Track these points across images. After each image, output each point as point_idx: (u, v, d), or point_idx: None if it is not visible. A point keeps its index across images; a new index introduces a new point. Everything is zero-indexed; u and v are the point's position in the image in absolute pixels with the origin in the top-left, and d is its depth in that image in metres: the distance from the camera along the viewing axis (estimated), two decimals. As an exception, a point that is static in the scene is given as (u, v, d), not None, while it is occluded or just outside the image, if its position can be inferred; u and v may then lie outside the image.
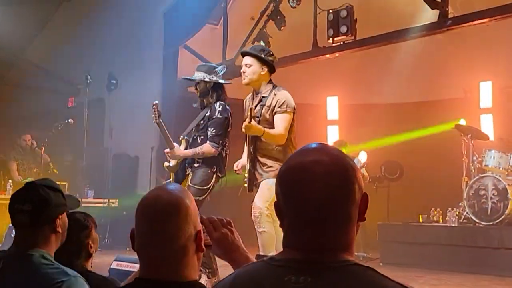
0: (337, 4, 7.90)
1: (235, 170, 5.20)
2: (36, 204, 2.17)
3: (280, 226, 1.30)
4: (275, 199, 1.31)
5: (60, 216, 2.24)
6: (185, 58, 10.33)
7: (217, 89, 5.16)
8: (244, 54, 5.05)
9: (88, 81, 9.12)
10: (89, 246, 2.56)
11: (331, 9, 7.93)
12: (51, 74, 12.00)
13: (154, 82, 10.27)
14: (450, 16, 6.96)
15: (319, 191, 1.22)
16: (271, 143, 4.86)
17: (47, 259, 2.14)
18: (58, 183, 9.09)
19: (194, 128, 5.18)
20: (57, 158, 9.93)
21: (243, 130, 4.67)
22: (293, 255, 1.24)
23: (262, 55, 4.91)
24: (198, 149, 5.02)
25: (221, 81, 5.20)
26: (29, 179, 7.81)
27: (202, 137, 5.12)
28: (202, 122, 5.12)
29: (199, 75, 5.15)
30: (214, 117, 5.04)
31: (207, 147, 5.00)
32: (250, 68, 4.90)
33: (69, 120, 8.92)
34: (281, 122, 4.79)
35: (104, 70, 9.67)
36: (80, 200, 2.49)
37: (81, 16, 11.61)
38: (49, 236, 2.21)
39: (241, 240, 1.74)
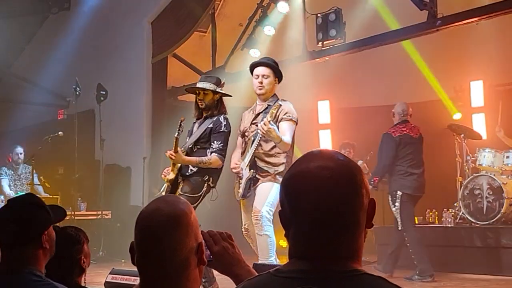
0: (326, 8, 7.88)
1: (233, 168, 5.12)
2: (20, 224, 2.13)
3: (285, 236, 1.25)
4: (279, 208, 1.27)
5: (45, 232, 2.19)
6: (174, 67, 10.28)
7: (221, 102, 5.19)
8: (262, 64, 5.09)
9: (77, 93, 9.03)
10: (82, 261, 2.50)
11: (319, 13, 7.92)
12: (39, 87, 11.92)
13: (144, 92, 10.22)
14: (439, 16, 6.96)
15: (327, 197, 1.18)
16: (271, 150, 4.90)
17: (37, 275, 2.10)
18: (50, 197, 8.91)
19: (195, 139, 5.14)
20: (48, 172, 9.83)
21: (262, 131, 4.61)
22: (300, 265, 1.19)
23: (277, 66, 5.08)
24: (205, 159, 4.98)
25: (229, 94, 5.24)
26: (21, 194, 7.73)
27: (198, 147, 5.11)
28: (203, 133, 5.09)
29: (208, 86, 5.10)
30: (221, 130, 5.04)
31: (216, 159, 4.99)
32: (268, 79, 5.00)
33: (59, 133, 8.83)
34: (287, 129, 4.86)
35: (93, 82, 9.59)
36: (65, 210, 2.42)
37: (68, 28, 11.55)
38: (37, 253, 2.16)
39: (242, 254, 1.69)
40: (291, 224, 1.23)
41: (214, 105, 5.13)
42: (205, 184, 5.04)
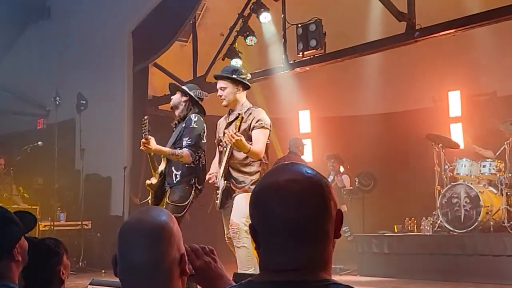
0: (306, 18, 7.95)
1: (210, 181, 5.13)
2: None
3: (256, 249, 1.27)
4: (250, 220, 1.29)
5: (16, 246, 2.17)
6: (155, 76, 10.27)
7: (195, 105, 5.20)
8: (217, 78, 5.14)
9: (57, 102, 8.99)
10: (61, 273, 2.48)
11: (300, 23, 7.97)
12: (18, 97, 11.82)
13: (125, 101, 10.19)
14: (417, 27, 7.06)
15: (296, 210, 1.21)
16: (246, 159, 4.90)
17: (11, 287, 2.09)
18: (29, 207, 8.76)
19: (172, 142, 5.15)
20: (27, 182, 9.74)
21: (230, 142, 4.63)
22: (271, 276, 1.22)
23: (235, 76, 5.01)
24: (178, 151, 4.95)
25: (203, 109, 5.26)
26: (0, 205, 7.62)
27: (178, 148, 5.09)
28: (179, 135, 5.12)
29: (188, 90, 5.22)
30: (190, 126, 5.04)
31: (187, 154, 4.94)
32: (225, 90, 5.00)
33: (39, 143, 8.77)
34: (258, 137, 4.86)
35: (73, 91, 9.55)
36: (35, 216, 2.38)
37: (48, 37, 11.49)
38: (10, 266, 2.15)
39: (224, 268, 1.70)
40: (261, 236, 1.25)
41: (185, 108, 5.16)
42: (193, 190, 4.99)
